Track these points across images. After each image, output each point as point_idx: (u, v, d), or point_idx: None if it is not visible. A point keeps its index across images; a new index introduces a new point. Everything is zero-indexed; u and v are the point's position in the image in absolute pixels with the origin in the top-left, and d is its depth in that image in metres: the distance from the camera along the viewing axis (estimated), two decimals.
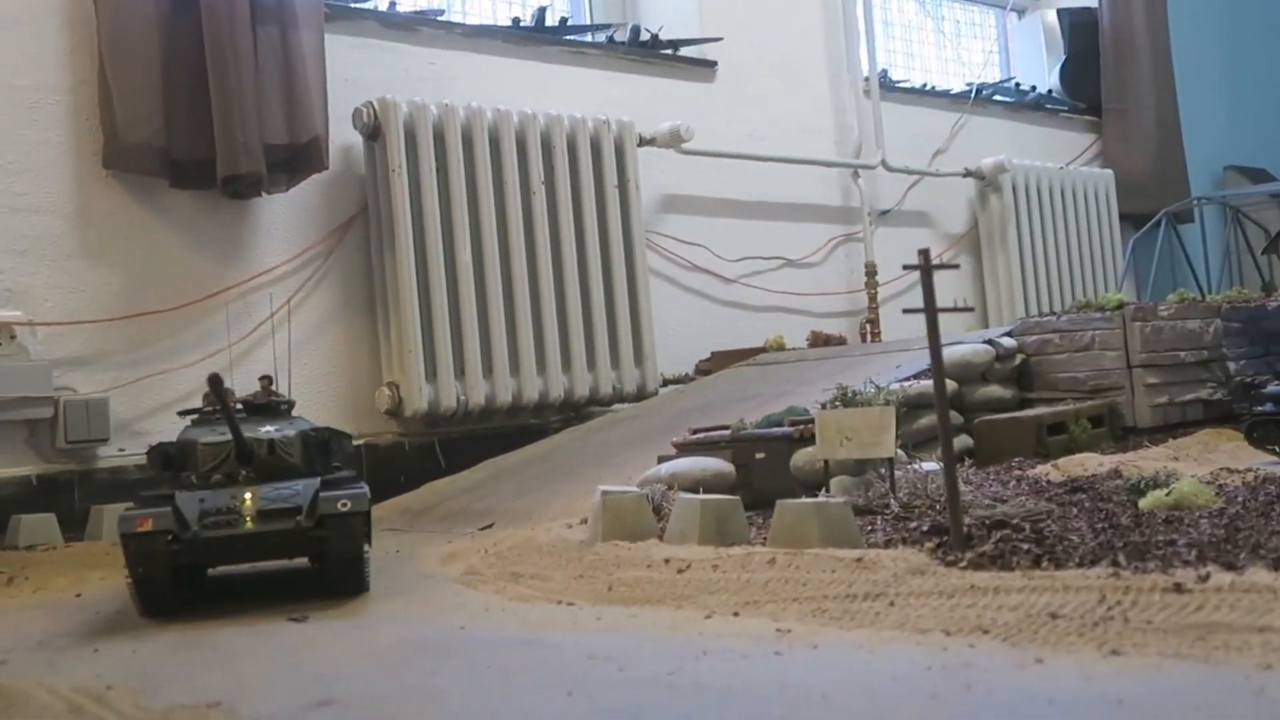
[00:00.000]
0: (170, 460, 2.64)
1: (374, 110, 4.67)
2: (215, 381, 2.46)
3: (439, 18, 5.24)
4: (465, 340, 4.77)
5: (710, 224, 5.99)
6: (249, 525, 2.44)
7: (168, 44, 4.25)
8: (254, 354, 4.43)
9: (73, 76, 4.22)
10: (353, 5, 4.97)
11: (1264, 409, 3.66)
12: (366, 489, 2.58)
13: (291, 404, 2.89)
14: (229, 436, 2.58)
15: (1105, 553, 2.19)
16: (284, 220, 4.65)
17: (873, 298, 6.50)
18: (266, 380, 2.88)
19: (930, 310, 2.42)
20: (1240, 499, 2.73)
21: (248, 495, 2.49)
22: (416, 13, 5.19)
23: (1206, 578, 1.88)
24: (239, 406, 2.79)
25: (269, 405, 2.81)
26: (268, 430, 2.65)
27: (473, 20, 5.52)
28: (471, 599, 2.54)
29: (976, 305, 7.16)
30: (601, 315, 5.21)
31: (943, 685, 1.58)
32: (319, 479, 2.58)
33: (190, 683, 1.90)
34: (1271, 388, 3.87)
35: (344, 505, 2.48)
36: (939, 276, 2.47)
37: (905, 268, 2.51)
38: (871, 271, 6.51)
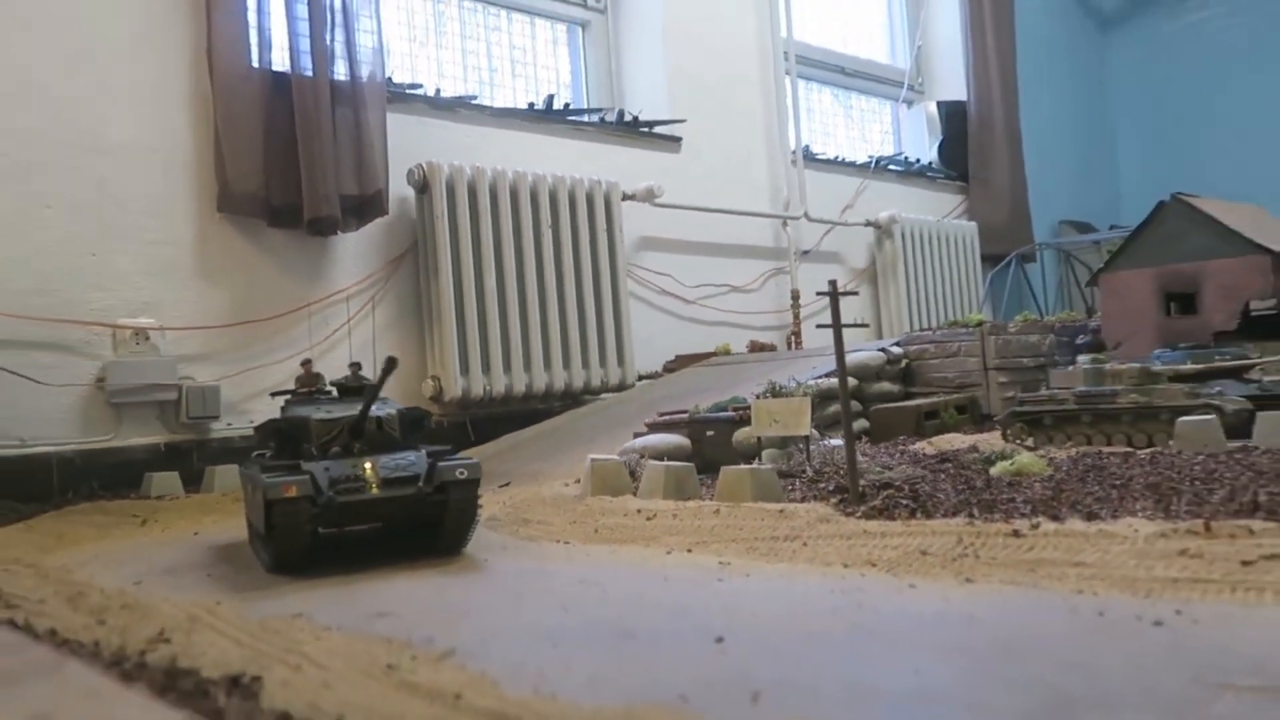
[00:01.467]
0: (284, 434, 2.34)
1: (423, 170, 4.67)
2: (391, 362, 2.21)
3: (473, 102, 5.24)
4: (490, 344, 4.77)
5: (675, 259, 6.00)
6: (374, 491, 2.17)
7: (268, 119, 4.24)
8: (331, 354, 4.43)
9: (195, 142, 4.20)
10: (408, 91, 4.96)
11: (1022, 409, 3.54)
12: (478, 461, 2.28)
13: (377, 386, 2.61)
14: (336, 414, 2.30)
15: (963, 507, 2.22)
16: (354, 253, 4.64)
17: (796, 316, 6.53)
18: (357, 365, 2.59)
19: (836, 326, 2.45)
20: (1064, 469, 2.76)
21: (367, 465, 2.21)
22: (456, 98, 5.18)
23: (1037, 525, 1.91)
24: (331, 389, 2.57)
25: (359, 388, 2.50)
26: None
27: (499, 104, 5.51)
28: (492, 539, 2.54)
29: (872, 322, 7.20)
30: (593, 326, 5.21)
31: (841, 603, 1.60)
32: (423, 451, 2.31)
33: (280, 600, 1.90)
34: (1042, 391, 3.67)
35: (461, 474, 2.21)
36: (844, 300, 2.49)
37: (818, 294, 2.54)
38: (796, 296, 6.54)
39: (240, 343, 4.26)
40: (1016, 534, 1.87)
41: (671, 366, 5.54)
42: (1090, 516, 1.99)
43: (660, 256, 5.92)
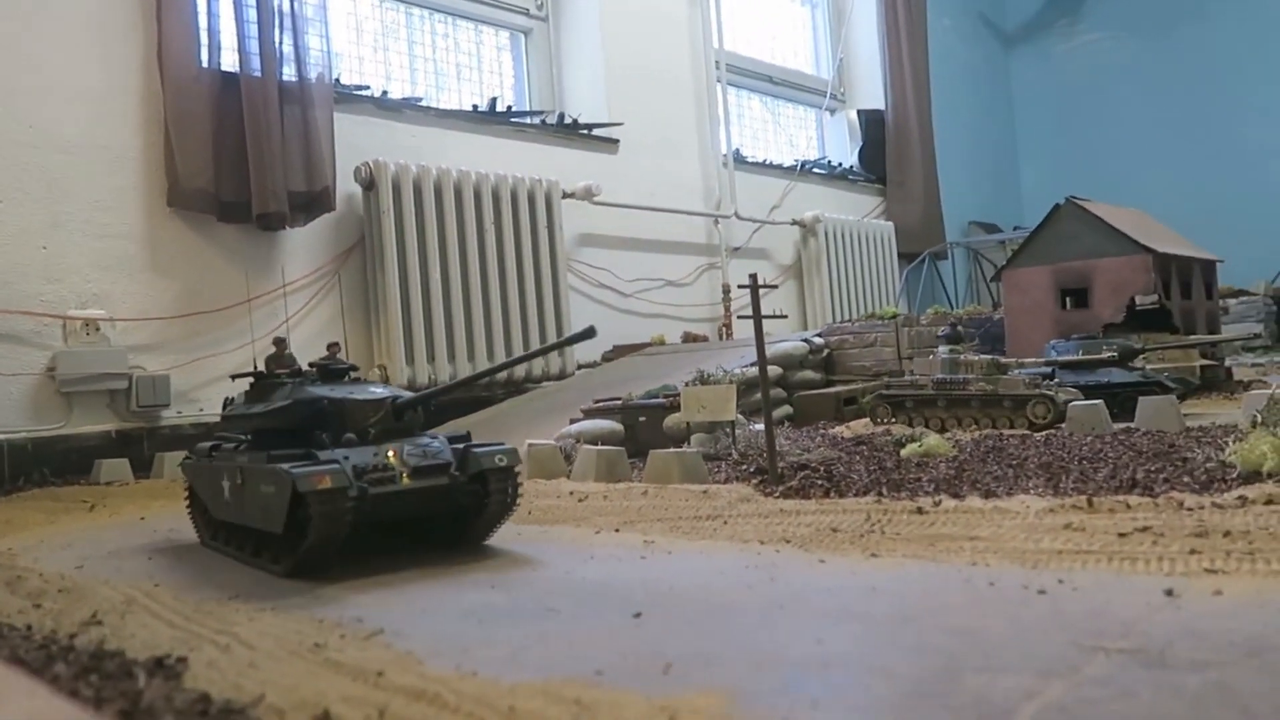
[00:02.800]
0: (323, 416, 1.92)
1: (370, 168, 4.57)
2: (590, 331, 1.91)
3: (419, 103, 5.14)
4: (435, 334, 4.69)
5: (613, 255, 5.97)
6: (406, 481, 1.81)
7: (217, 117, 4.11)
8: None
9: (145, 139, 4.06)
10: (355, 92, 4.85)
11: (887, 392, 3.67)
12: (514, 447, 1.96)
13: (356, 368, 2.20)
14: (365, 396, 1.95)
15: (874, 486, 2.24)
16: (302, 247, 4.52)
17: (727, 309, 6.55)
18: (335, 346, 2.28)
19: (756, 317, 2.45)
20: (968, 450, 2.81)
21: (390, 452, 1.83)
22: (403, 99, 5.08)
23: (939, 503, 1.93)
24: (299, 369, 2.22)
25: (343, 370, 2.11)
26: (377, 391, 1.99)
27: (444, 105, 5.42)
28: None
29: (797, 315, 7.26)
30: (535, 316, 5.16)
31: (756, 577, 1.60)
32: (442, 436, 1.97)
33: (217, 581, 1.84)
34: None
35: (500, 460, 1.88)
36: (767, 293, 2.50)
37: (739, 286, 2.53)
38: (726, 290, 6.56)
39: (190, 333, 4.12)
40: (920, 511, 1.89)
41: (610, 356, 5.52)
42: (988, 494, 2.02)
43: (599, 252, 5.88)
